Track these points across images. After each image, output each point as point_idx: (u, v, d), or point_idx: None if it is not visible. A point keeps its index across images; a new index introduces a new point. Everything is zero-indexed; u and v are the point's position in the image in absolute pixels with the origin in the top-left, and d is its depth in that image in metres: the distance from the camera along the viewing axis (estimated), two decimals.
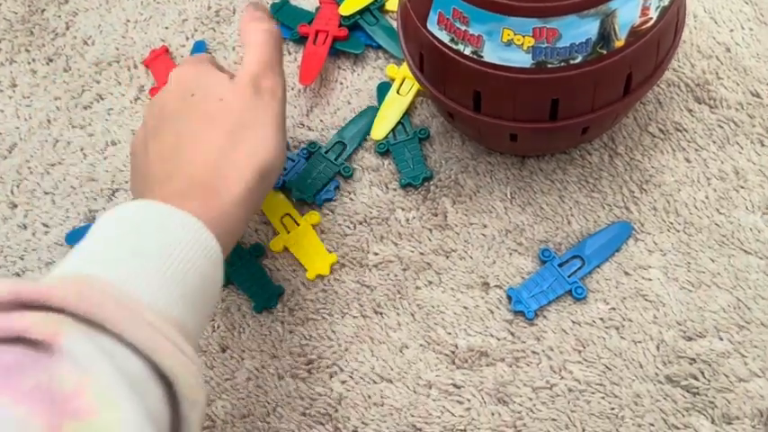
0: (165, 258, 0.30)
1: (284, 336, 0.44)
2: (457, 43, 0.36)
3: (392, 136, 0.47)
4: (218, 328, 0.44)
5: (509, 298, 0.42)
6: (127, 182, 0.50)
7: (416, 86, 0.48)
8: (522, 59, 0.34)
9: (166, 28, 0.55)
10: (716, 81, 0.45)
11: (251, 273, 0.45)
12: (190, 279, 0.31)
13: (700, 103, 0.45)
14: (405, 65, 0.49)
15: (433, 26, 0.36)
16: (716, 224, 0.42)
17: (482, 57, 0.35)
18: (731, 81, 0.45)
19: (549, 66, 0.34)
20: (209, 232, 0.32)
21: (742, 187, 0.43)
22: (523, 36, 0.33)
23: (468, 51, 0.36)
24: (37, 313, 0.26)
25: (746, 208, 0.42)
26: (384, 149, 0.47)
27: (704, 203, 0.43)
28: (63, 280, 0.29)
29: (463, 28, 0.35)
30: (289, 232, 0.46)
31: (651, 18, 0.34)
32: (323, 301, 0.44)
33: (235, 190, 0.35)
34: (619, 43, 0.34)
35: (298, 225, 0.46)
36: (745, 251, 0.41)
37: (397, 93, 0.49)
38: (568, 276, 0.41)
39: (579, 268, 0.42)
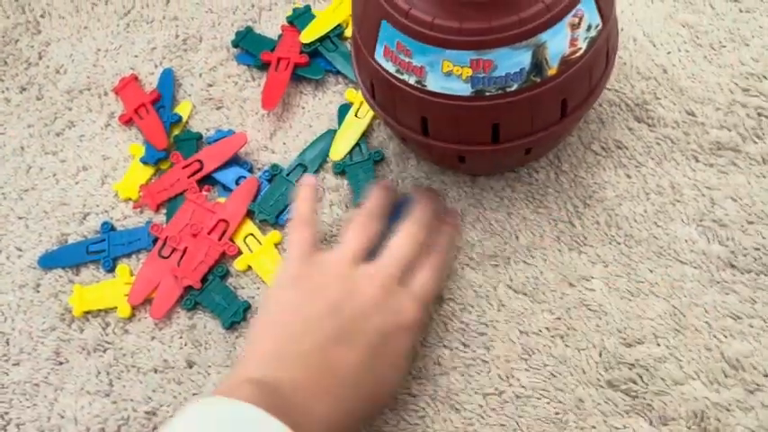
0: None
1: None
2: (402, 73, 0.38)
3: (349, 157, 0.50)
4: (186, 345, 0.46)
5: None
6: (98, 205, 0.52)
7: (372, 112, 0.50)
8: (462, 88, 0.37)
9: (136, 56, 0.57)
10: (654, 101, 0.48)
11: (217, 293, 0.47)
12: None
13: (639, 122, 0.48)
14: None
15: (380, 58, 0.39)
16: (654, 236, 0.45)
17: (426, 86, 0.38)
18: (668, 101, 0.48)
19: (488, 93, 0.36)
20: None
21: (678, 201, 0.45)
22: (462, 67, 0.36)
23: (412, 81, 0.38)
24: None
25: (682, 221, 0.45)
26: (340, 170, 0.49)
27: (643, 217, 0.45)
28: None
29: (407, 60, 0.37)
30: (252, 251, 0.48)
31: (580, 48, 0.36)
32: None
33: None
34: (551, 72, 0.36)
35: (261, 245, 0.48)
36: (681, 261, 0.44)
37: (356, 116, 0.51)
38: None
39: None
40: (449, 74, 0.36)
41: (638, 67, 0.49)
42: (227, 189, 0.50)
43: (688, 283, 0.43)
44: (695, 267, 0.43)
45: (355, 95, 0.52)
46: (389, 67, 0.39)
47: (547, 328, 0.43)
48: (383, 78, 0.39)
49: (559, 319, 0.43)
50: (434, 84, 0.37)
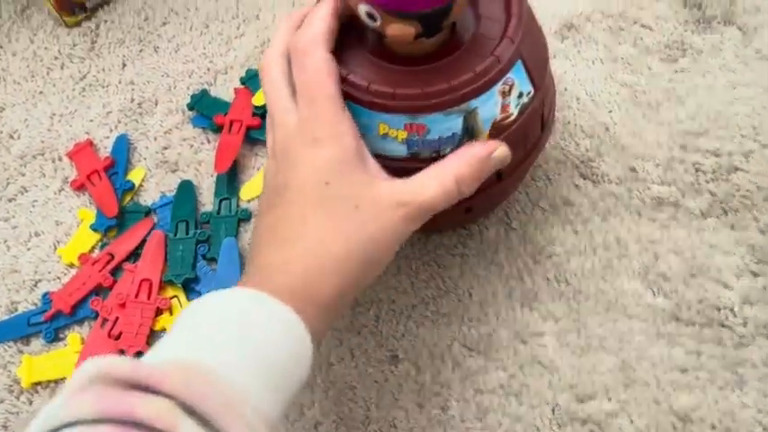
0: (267, 357, 0.32)
1: None
2: None
3: (217, 209, 0.51)
4: None
5: None
6: (49, 272, 0.51)
7: None
8: (399, 150, 0.37)
9: (91, 120, 0.58)
10: (598, 158, 0.50)
11: None
12: (286, 384, 0.32)
13: (584, 179, 0.49)
14: None
15: None
16: (602, 291, 0.45)
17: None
18: (611, 158, 0.50)
19: (422, 156, 0.37)
20: (309, 340, 0.33)
21: (624, 256, 0.46)
22: (397, 130, 0.37)
23: None
24: (158, 400, 0.27)
25: (628, 275, 0.46)
26: (206, 220, 0.51)
27: (591, 272, 0.46)
28: (171, 365, 0.30)
29: None
30: (172, 315, 0.48)
31: (512, 114, 0.37)
32: None
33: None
34: (483, 136, 0.37)
35: (182, 307, 0.48)
36: (628, 316, 0.44)
37: None
38: None
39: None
40: (385, 136, 0.37)
41: (582, 126, 0.51)
42: None
43: (636, 337, 0.44)
44: (642, 321, 0.44)
45: None
46: None
47: (501, 386, 0.43)
48: None
49: (513, 376, 0.44)
50: (373, 144, 0.38)
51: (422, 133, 0.36)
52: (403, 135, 0.37)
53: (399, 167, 0.38)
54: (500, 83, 0.36)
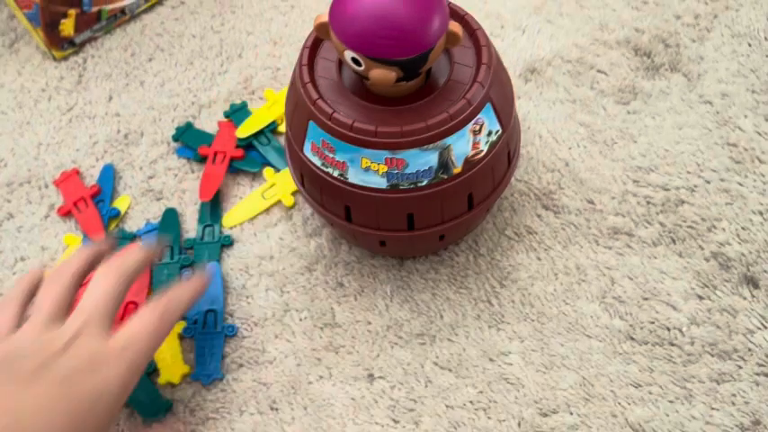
0: None
1: (189, 431, 0.47)
2: (327, 167, 0.42)
3: (200, 235, 0.53)
4: (123, 431, 0.47)
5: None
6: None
7: (278, 198, 0.55)
8: (379, 182, 0.41)
9: (77, 150, 0.60)
10: (558, 191, 0.54)
11: (141, 389, 0.47)
12: None
13: (546, 210, 0.53)
14: (280, 173, 0.56)
15: (308, 152, 0.43)
16: (563, 313, 0.49)
17: (347, 178, 0.42)
18: (570, 191, 0.54)
19: (402, 187, 0.41)
20: None
21: (583, 281, 0.50)
22: (378, 164, 0.40)
23: (336, 174, 0.42)
24: None
25: (587, 298, 0.49)
26: (189, 246, 0.53)
27: (553, 295, 0.50)
28: None
29: (331, 155, 0.41)
30: None
31: (482, 150, 0.41)
32: (222, 401, 0.48)
33: None
34: (456, 170, 0.41)
35: None
36: (588, 335, 0.48)
37: (262, 196, 0.55)
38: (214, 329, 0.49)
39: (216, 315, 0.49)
40: (367, 169, 0.41)
41: (544, 161, 0.55)
42: None
43: (594, 356, 0.47)
44: (600, 341, 0.48)
45: (272, 175, 0.56)
46: (316, 161, 0.43)
47: (471, 402, 0.46)
48: (311, 171, 0.44)
49: (482, 392, 0.47)
50: (355, 177, 0.41)
51: (401, 167, 0.40)
52: (384, 168, 0.40)
53: (379, 198, 0.42)
54: (471, 123, 0.40)
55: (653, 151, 0.55)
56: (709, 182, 0.53)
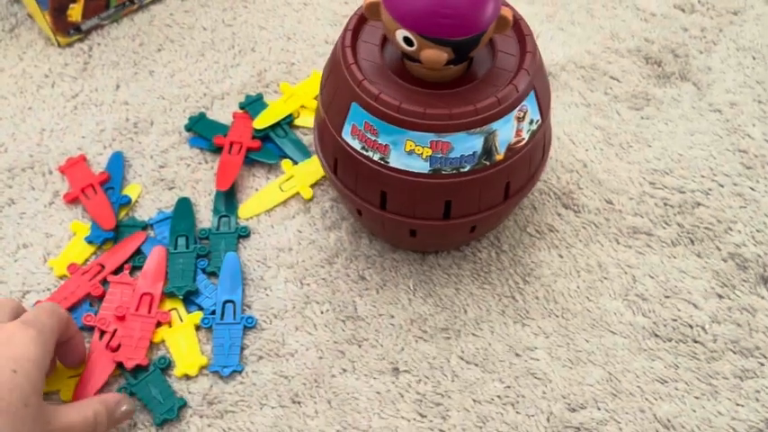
0: None
1: (203, 429, 0.45)
2: (367, 150, 0.42)
3: (216, 226, 0.52)
4: (135, 425, 0.45)
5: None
6: (39, 284, 0.51)
7: (296, 190, 0.54)
8: (422, 166, 0.41)
9: (83, 137, 0.58)
10: (578, 191, 0.54)
11: (155, 385, 0.46)
12: None
13: (566, 209, 0.54)
14: (298, 166, 0.55)
15: (347, 135, 0.42)
16: (587, 310, 0.49)
17: (388, 162, 0.41)
18: (589, 191, 0.54)
19: (443, 172, 0.41)
20: None
21: (605, 278, 0.50)
22: (423, 147, 0.40)
23: (376, 157, 0.42)
24: None
25: (609, 295, 0.50)
26: (205, 236, 0.52)
27: (576, 292, 0.50)
28: None
29: (373, 138, 0.41)
30: (171, 326, 0.48)
31: (524, 138, 0.41)
32: (241, 394, 0.46)
33: None
34: (499, 157, 0.41)
35: (181, 322, 0.48)
36: (612, 332, 0.48)
37: (280, 188, 0.54)
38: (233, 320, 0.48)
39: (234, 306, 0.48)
40: (410, 152, 0.40)
41: (562, 162, 0.56)
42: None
43: (620, 352, 0.47)
44: (624, 337, 0.48)
45: (290, 167, 0.55)
46: (356, 145, 0.42)
47: (498, 396, 0.46)
48: (348, 155, 0.43)
49: (509, 387, 0.46)
50: (396, 161, 0.41)
51: (446, 151, 0.40)
52: (428, 152, 0.40)
53: (419, 183, 0.41)
54: (517, 109, 0.40)
55: (667, 155, 0.56)
56: (722, 185, 0.54)
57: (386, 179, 0.42)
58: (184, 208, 0.53)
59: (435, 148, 0.40)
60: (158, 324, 0.48)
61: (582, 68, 0.61)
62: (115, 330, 0.47)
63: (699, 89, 0.60)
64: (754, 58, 0.62)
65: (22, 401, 0.37)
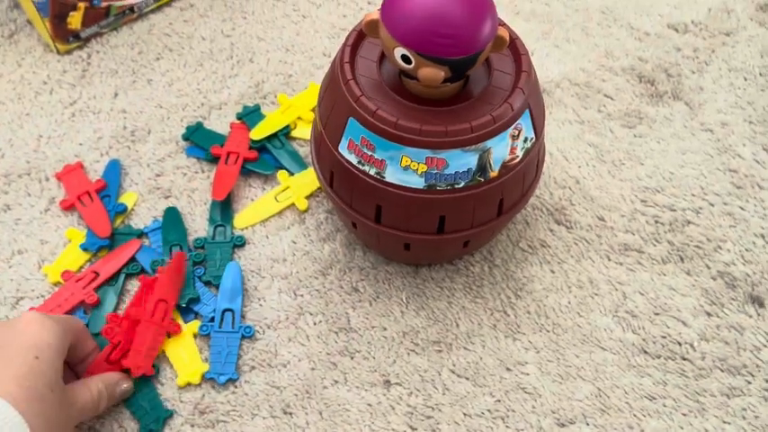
0: None
1: None
2: (363, 164, 0.42)
3: (212, 235, 0.53)
4: (127, 431, 0.45)
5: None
6: (33, 290, 0.51)
7: (291, 201, 0.54)
8: (417, 181, 0.41)
9: (80, 144, 0.58)
10: (570, 207, 0.55)
11: (143, 394, 0.46)
12: None
13: (559, 225, 0.54)
14: (294, 177, 0.55)
15: (343, 150, 0.43)
16: (578, 325, 0.50)
17: (384, 177, 0.42)
18: (581, 207, 0.55)
19: (438, 188, 0.41)
20: None
21: (596, 294, 0.51)
22: (418, 163, 0.40)
23: (372, 172, 0.42)
24: None
25: (600, 311, 0.50)
26: (200, 245, 0.52)
27: (567, 308, 0.50)
28: None
29: (369, 153, 0.41)
30: (169, 337, 0.48)
31: (518, 156, 0.42)
32: (233, 403, 0.46)
33: None
34: (493, 174, 0.42)
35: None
36: (602, 348, 0.49)
37: (275, 198, 0.54)
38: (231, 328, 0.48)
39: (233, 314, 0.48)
40: (406, 168, 0.41)
41: (555, 178, 0.57)
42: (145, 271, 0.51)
43: (609, 367, 0.48)
44: (614, 353, 0.49)
45: (286, 178, 0.55)
46: (352, 159, 0.43)
47: (488, 411, 0.46)
48: (344, 169, 0.43)
49: (499, 401, 0.47)
50: (392, 176, 0.41)
51: (441, 167, 0.40)
52: (423, 168, 0.40)
53: (414, 198, 0.42)
54: (512, 127, 0.41)
55: (659, 173, 0.57)
56: (713, 204, 0.55)
57: (381, 193, 0.42)
58: (173, 217, 0.53)
59: (431, 164, 0.40)
60: (167, 335, 0.48)
61: (576, 86, 0.62)
62: (119, 343, 0.47)
63: (691, 108, 0.61)
64: (745, 79, 0.63)
65: (48, 387, 0.38)
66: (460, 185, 0.41)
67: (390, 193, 0.42)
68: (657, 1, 0.68)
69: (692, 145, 0.59)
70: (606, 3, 0.68)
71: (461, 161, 0.40)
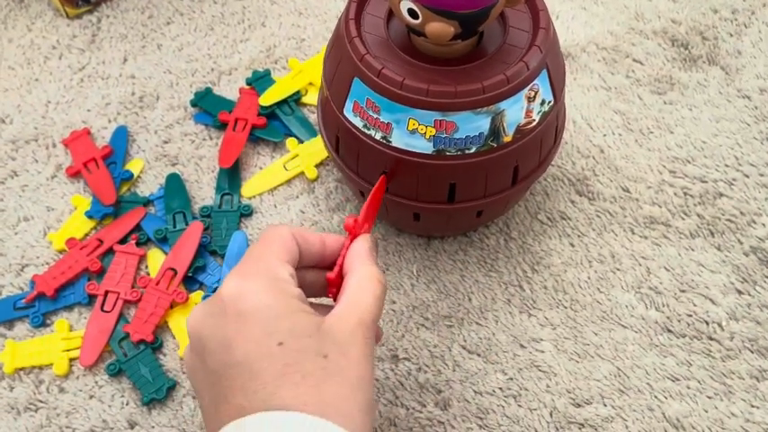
0: None
1: (195, 411, 0.44)
2: (369, 128, 0.40)
3: (218, 203, 0.51)
4: (127, 404, 0.44)
5: None
6: (38, 257, 0.50)
7: (300, 170, 0.52)
8: (425, 146, 0.39)
9: (88, 110, 0.57)
10: (593, 177, 0.52)
11: (145, 364, 0.45)
12: None
13: (580, 196, 0.51)
14: (303, 145, 0.53)
15: (348, 113, 0.41)
16: (597, 301, 0.47)
17: (390, 141, 0.40)
18: (605, 178, 0.52)
19: (448, 153, 0.39)
20: None
21: (618, 269, 0.48)
22: (426, 126, 0.38)
23: (378, 136, 0.40)
24: None
25: (622, 287, 0.48)
26: (207, 213, 0.51)
27: (587, 283, 0.48)
28: None
29: (375, 116, 0.39)
30: (172, 308, 0.47)
31: (534, 120, 0.39)
32: None
33: None
34: (507, 138, 0.39)
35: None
36: (623, 325, 0.46)
37: (284, 167, 0.52)
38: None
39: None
40: (413, 132, 0.38)
41: (578, 147, 0.54)
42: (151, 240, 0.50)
43: (630, 346, 0.45)
44: (635, 331, 0.46)
45: (295, 145, 0.53)
46: (357, 122, 0.40)
47: (500, 389, 0.44)
48: (349, 133, 0.41)
49: (512, 379, 0.44)
50: (399, 140, 0.39)
51: (450, 131, 0.38)
52: (431, 131, 0.38)
53: (422, 164, 0.40)
54: (527, 88, 0.38)
55: (690, 143, 0.54)
56: (748, 176, 0.52)
57: (388, 159, 0.40)
58: (175, 184, 0.52)
59: (439, 128, 0.38)
60: (172, 304, 0.47)
61: (603, 50, 0.59)
62: (125, 302, 0.46)
63: (727, 74, 0.57)
64: None
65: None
66: (472, 151, 0.39)
67: (397, 159, 0.40)
68: None
69: (727, 112, 0.55)
70: None
71: (472, 124, 0.38)
